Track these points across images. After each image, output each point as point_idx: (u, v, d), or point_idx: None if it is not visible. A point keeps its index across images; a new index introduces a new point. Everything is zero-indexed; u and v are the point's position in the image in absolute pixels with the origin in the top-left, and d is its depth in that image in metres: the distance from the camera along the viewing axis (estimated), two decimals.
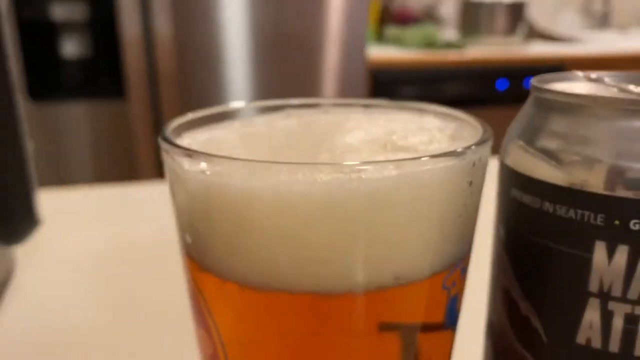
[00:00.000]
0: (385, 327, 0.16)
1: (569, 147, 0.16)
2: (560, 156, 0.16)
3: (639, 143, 0.15)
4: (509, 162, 0.18)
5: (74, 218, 0.56)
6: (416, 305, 0.16)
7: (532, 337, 0.18)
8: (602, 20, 2.59)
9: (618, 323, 0.16)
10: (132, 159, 1.58)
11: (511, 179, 0.18)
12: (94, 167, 1.61)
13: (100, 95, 1.58)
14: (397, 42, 1.95)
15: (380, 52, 1.81)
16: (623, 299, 0.16)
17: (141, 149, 1.60)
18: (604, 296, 0.16)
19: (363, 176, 0.15)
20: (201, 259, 0.17)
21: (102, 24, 1.56)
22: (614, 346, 0.16)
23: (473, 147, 0.16)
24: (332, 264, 0.15)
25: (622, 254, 0.15)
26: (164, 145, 0.17)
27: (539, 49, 2.06)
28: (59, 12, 1.50)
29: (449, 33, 2.23)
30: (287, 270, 0.15)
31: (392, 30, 2.02)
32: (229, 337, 0.17)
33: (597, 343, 0.16)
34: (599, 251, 0.16)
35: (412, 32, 1.91)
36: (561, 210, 0.16)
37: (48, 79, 1.55)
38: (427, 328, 0.17)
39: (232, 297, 0.16)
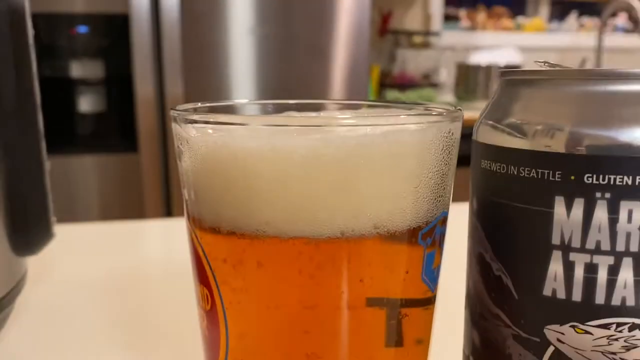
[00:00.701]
0: (366, 277, 0.18)
1: (530, 118, 0.18)
2: (523, 126, 0.18)
3: (588, 109, 0.17)
4: (480, 139, 0.20)
5: (82, 247, 0.58)
6: (393, 255, 0.18)
7: (504, 295, 0.19)
8: None
9: (579, 273, 0.18)
10: (140, 211, 1.60)
11: (481, 152, 0.20)
12: (104, 218, 1.63)
13: (113, 149, 1.63)
14: None
15: None
16: (582, 249, 0.17)
17: (150, 202, 1.63)
18: (566, 248, 0.18)
19: (349, 133, 0.17)
20: (202, 214, 0.19)
21: (117, 82, 1.63)
22: (577, 295, 0.18)
23: (446, 113, 0.18)
24: (319, 212, 0.17)
25: (578, 206, 0.17)
26: (174, 114, 0.19)
27: None
28: (77, 70, 1.57)
29: (447, 97, 2.30)
30: (280, 217, 0.17)
31: (392, 94, 2.09)
32: (227, 286, 0.19)
33: (561, 294, 0.18)
34: (559, 206, 0.18)
35: (411, 95, 1.99)
36: (524, 172, 0.18)
37: (64, 132, 1.60)
38: (406, 282, 0.19)
39: (229, 246, 0.18)
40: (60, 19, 1.49)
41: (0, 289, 0.35)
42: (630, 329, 0.18)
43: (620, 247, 0.17)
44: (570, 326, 0.18)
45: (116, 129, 1.70)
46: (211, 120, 0.18)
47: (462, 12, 2.74)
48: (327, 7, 1.67)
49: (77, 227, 0.68)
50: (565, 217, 0.18)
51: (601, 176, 0.17)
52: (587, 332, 0.18)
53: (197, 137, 0.18)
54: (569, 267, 0.18)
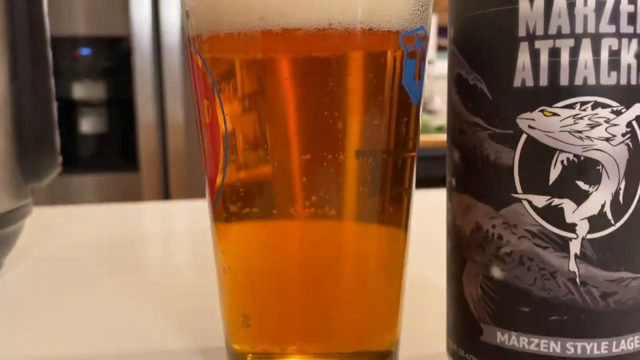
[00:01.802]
0: (352, 70, 0.20)
1: None
2: None
3: None
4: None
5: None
6: (377, 50, 0.20)
7: (479, 101, 0.21)
8: None
9: (544, 59, 0.19)
10: None
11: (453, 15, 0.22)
12: None
13: (114, 169, 1.65)
14: None
15: None
16: (545, 36, 0.19)
17: None
18: (531, 37, 0.19)
19: None
20: (202, 29, 0.21)
21: (119, 104, 1.67)
22: (544, 80, 0.19)
23: None
24: (309, 4, 0.19)
25: (539, 1, 0.19)
26: None
27: None
28: (79, 91, 1.61)
29: (441, 121, 2.35)
30: (272, 11, 0.19)
31: None
32: (225, 92, 0.20)
33: (530, 82, 0.20)
34: (523, 1, 0.19)
35: None
36: None
37: (65, 152, 1.62)
38: (388, 84, 0.21)
39: (228, 47, 0.20)
40: (64, 42, 1.54)
41: (8, 204, 0.36)
42: (593, 107, 0.19)
43: (579, 29, 0.19)
44: (540, 111, 0.20)
45: (117, 150, 1.72)
46: None
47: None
48: None
49: (74, 209, 0.69)
50: (529, 9, 0.19)
51: None
52: (554, 114, 0.19)
53: None
54: (534, 55, 0.19)
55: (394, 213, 0.23)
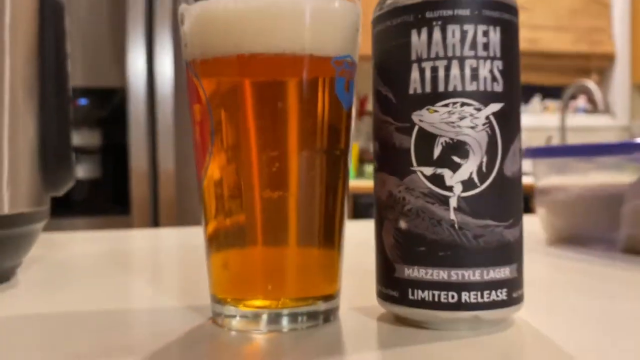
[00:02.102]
0: (298, 84, 0.29)
1: None
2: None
3: None
4: (375, 13, 0.32)
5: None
6: (318, 67, 0.29)
7: (388, 104, 0.30)
8: None
9: (428, 74, 0.28)
10: None
11: (376, 21, 0.31)
12: None
13: (105, 213, 1.72)
14: None
15: (359, 183, 2.00)
16: (428, 59, 0.28)
17: None
18: (419, 60, 0.29)
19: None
20: (195, 53, 0.30)
21: (113, 151, 1.75)
22: (428, 88, 0.28)
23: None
24: (268, 37, 0.28)
25: (424, 33, 0.28)
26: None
27: None
28: (75, 139, 1.70)
29: None
30: (243, 42, 0.28)
31: (370, 168, 2.25)
32: (213, 98, 0.29)
33: (419, 90, 0.29)
34: (414, 35, 0.29)
35: None
36: (396, 21, 0.30)
37: (59, 196, 1.69)
38: (324, 92, 0.30)
39: (213, 66, 0.29)
40: None
41: (32, 207, 0.44)
42: (461, 105, 0.28)
43: (449, 53, 0.28)
44: (426, 109, 0.28)
45: (109, 195, 1.80)
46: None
47: None
48: None
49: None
50: (418, 41, 0.29)
51: (436, 12, 0.28)
52: (436, 111, 0.28)
53: (192, 7, 0.30)
54: (422, 71, 0.29)
55: (331, 194, 0.31)
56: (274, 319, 0.30)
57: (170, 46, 1.65)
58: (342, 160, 0.32)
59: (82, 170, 1.72)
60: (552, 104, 3.09)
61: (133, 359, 0.27)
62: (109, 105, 1.73)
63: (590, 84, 2.58)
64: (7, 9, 0.42)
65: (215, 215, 0.31)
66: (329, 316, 0.32)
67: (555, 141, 2.92)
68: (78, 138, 1.70)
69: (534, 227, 0.67)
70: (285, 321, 0.30)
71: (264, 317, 0.30)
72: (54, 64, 0.48)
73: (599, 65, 3.08)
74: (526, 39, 2.91)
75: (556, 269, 0.49)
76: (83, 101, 1.66)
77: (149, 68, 1.66)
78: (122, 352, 0.28)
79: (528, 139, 2.90)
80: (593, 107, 3.10)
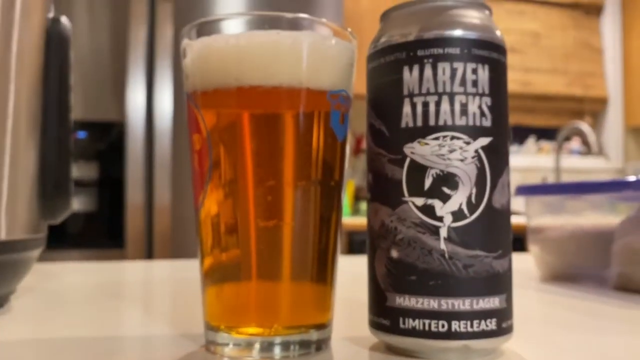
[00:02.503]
0: (295, 115, 0.30)
1: (394, 30, 0.31)
2: (387, 34, 0.31)
3: (416, 21, 0.31)
4: (370, 49, 0.33)
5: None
6: (314, 101, 0.30)
7: (381, 137, 0.31)
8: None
9: (419, 108, 0.30)
10: None
11: (372, 59, 0.33)
12: None
13: (101, 246, 1.72)
14: None
15: (355, 221, 2.00)
16: (420, 94, 0.30)
17: None
18: (411, 95, 0.30)
19: (281, 34, 0.30)
20: (196, 85, 0.31)
21: (110, 185, 1.76)
22: (419, 122, 0.30)
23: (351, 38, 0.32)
24: (266, 73, 0.30)
25: (416, 70, 0.30)
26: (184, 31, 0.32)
27: None
28: (73, 171, 1.70)
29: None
30: (242, 75, 0.30)
31: (364, 205, 2.26)
32: (213, 129, 0.30)
33: (411, 123, 0.30)
34: (406, 71, 0.30)
35: None
36: (389, 58, 0.31)
37: (54, 228, 1.69)
38: (319, 124, 0.31)
39: (213, 98, 0.30)
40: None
41: (29, 234, 0.45)
42: (451, 139, 0.29)
43: (440, 89, 0.29)
44: (417, 142, 0.29)
45: (105, 228, 1.80)
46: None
47: None
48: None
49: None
50: (410, 77, 0.30)
51: (427, 50, 0.30)
52: (426, 144, 0.29)
53: (195, 42, 0.31)
54: (413, 106, 0.30)
55: (325, 224, 0.32)
56: (267, 347, 0.30)
57: (170, 82, 1.67)
58: (336, 191, 0.33)
59: (78, 203, 1.72)
60: (546, 145, 3.13)
61: None
62: (107, 139, 1.75)
63: (584, 126, 2.61)
64: (14, 39, 0.44)
65: (211, 243, 0.32)
66: (321, 345, 0.32)
67: (551, 181, 2.94)
68: (76, 170, 1.71)
69: (527, 264, 0.67)
70: (277, 349, 0.30)
71: (257, 345, 0.30)
72: (58, 94, 0.49)
73: (592, 108, 3.13)
74: (520, 82, 2.97)
75: (548, 304, 0.49)
76: (82, 134, 1.68)
77: (148, 103, 1.68)
78: None
79: (523, 179, 2.92)
80: (587, 149, 3.13)
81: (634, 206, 0.54)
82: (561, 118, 3.08)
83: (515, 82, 2.96)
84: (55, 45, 0.48)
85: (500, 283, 0.30)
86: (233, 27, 0.32)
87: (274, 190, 0.30)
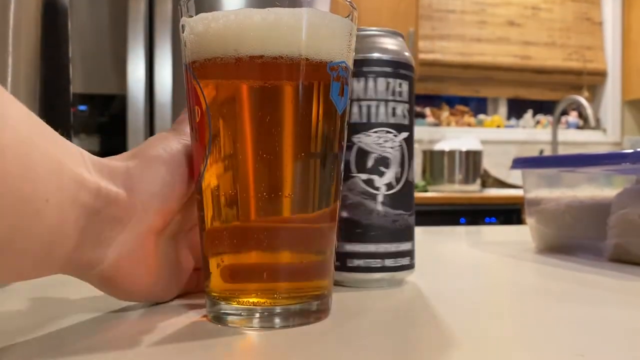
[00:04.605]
0: (294, 88, 0.31)
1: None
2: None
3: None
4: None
5: None
6: (312, 73, 0.31)
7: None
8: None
9: (364, 110, 0.41)
10: None
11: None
12: None
13: None
14: None
15: None
16: (365, 99, 0.41)
17: None
18: (358, 100, 0.38)
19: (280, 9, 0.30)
20: (195, 56, 0.31)
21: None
22: (363, 119, 0.41)
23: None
24: (266, 43, 0.30)
25: (361, 82, 0.41)
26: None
27: (495, 192, 2.29)
28: (74, 144, 1.73)
29: (417, 181, 2.47)
30: (242, 46, 0.30)
31: None
32: (211, 98, 0.31)
33: (357, 119, 0.41)
34: (355, 82, 0.41)
35: None
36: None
37: None
38: (319, 96, 0.31)
39: (214, 70, 0.30)
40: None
41: None
42: (386, 132, 0.41)
43: (379, 97, 0.41)
44: (363, 133, 0.41)
45: None
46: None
47: (428, 110, 2.99)
48: None
49: None
50: (357, 85, 0.41)
51: (369, 68, 0.41)
52: (369, 135, 0.41)
53: (193, 18, 0.31)
54: (360, 108, 0.41)
55: (325, 196, 0.32)
56: (267, 316, 0.31)
57: (170, 53, 1.65)
58: (336, 163, 0.33)
59: None
60: (544, 118, 3.14)
61: (127, 353, 0.27)
62: (108, 112, 1.77)
63: (582, 99, 2.63)
64: (11, 11, 0.42)
65: (211, 215, 0.32)
66: (320, 315, 0.32)
67: (547, 154, 2.96)
68: (77, 144, 1.74)
69: (524, 237, 0.69)
70: (277, 319, 0.31)
71: (257, 314, 0.31)
72: (56, 67, 0.48)
73: (590, 81, 3.14)
74: (518, 55, 2.98)
75: (544, 275, 0.50)
76: (82, 107, 1.70)
77: (149, 75, 1.68)
78: (115, 346, 0.28)
79: (521, 152, 2.95)
80: (584, 123, 3.15)
81: (631, 179, 0.53)
82: (559, 91, 3.09)
83: (513, 55, 2.96)
84: (52, 16, 0.47)
85: (412, 232, 0.42)
86: (231, 2, 0.33)
87: (273, 162, 0.30)
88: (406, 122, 0.42)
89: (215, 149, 0.31)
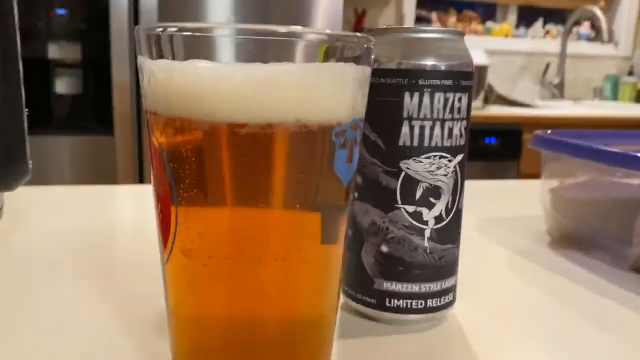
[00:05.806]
0: (286, 164, 0.24)
1: (390, 54, 0.34)
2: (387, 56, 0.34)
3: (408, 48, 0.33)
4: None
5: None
6: (311, 145, 0.24)
7: (377, 150, 0.35)
8: (558, 91, 2.79)
9: (416, 131, 0.34)
10: None
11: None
12: None
13: (89, 131, 1.68)
14: None
15: None
16: (418, 119, 0.34)
17: (124, 184, 1.68)
18: (410, 119, 0.34)
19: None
20: (159, 109, 0.24)
21: (95, 66, 1.68)
22: (415, 143, 0.34)
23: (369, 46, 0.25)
24: (250, 106, 0.23)
25: (416, 97, 0.33)
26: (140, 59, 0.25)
27: (497, 111, 2.23)
28: (54, 52, 1.61)
29: None
30: (220, 110, 0.23)
31: None
32: (178, 177, 0.24)
33: (408, 143, 0.34)
34: (407, 97, 0.34)
35: None
36: (390, 81, 0.34)
37: (40, 112, 1.64)
38: (322, 170, 0.25)
39: (181, 137, 0.23)
40: (39, 1, 1.53)
41: None
42: (440, 158, 0.34)
43: (435, 116, 0.34)
44: (412, 159, 0.34)
45: (92, 112, 1.75)
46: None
47: (434, 15, 2.83)
48: (301, 4, 1.74)
49: (50, 189, 0.72)
50: (410, 102, 0.34)
51: (425, 81, 0.33)
52: (420, 162, 0.34)
53: (154, 64, 0.24)
54: (412, 129, 0.34)
55: (328, 292, 0.28)
56: None
57: None
58: (336, 253, 0.27)
59: (63, 86, 1.66)
60: (554, 28, 2.99)
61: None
62: (90, 17, 1.63)
63: (597, 10, 2.49)
64: None
65: (182, 290, 0.26)
66: None
67: (554, 68, 2.85)
68: (57, 51, 1.62)
69: (533, 211, 0.61)
70: None
71: None
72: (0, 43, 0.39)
73: None
74: None
75: (555, 275, 0.46)
76: (61, 11, 1.57)
77: None
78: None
79: (526, 63, 2.83)
80: (596, 35, 3.00)
81: None
82: (573, 0, 2.91)
83: None
84: None
85: (457, 265, 0.38)
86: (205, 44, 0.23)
87: (262, 266, 0.24)
88: (462, 142, 0.35)
89: (181, 237, 0.25)
